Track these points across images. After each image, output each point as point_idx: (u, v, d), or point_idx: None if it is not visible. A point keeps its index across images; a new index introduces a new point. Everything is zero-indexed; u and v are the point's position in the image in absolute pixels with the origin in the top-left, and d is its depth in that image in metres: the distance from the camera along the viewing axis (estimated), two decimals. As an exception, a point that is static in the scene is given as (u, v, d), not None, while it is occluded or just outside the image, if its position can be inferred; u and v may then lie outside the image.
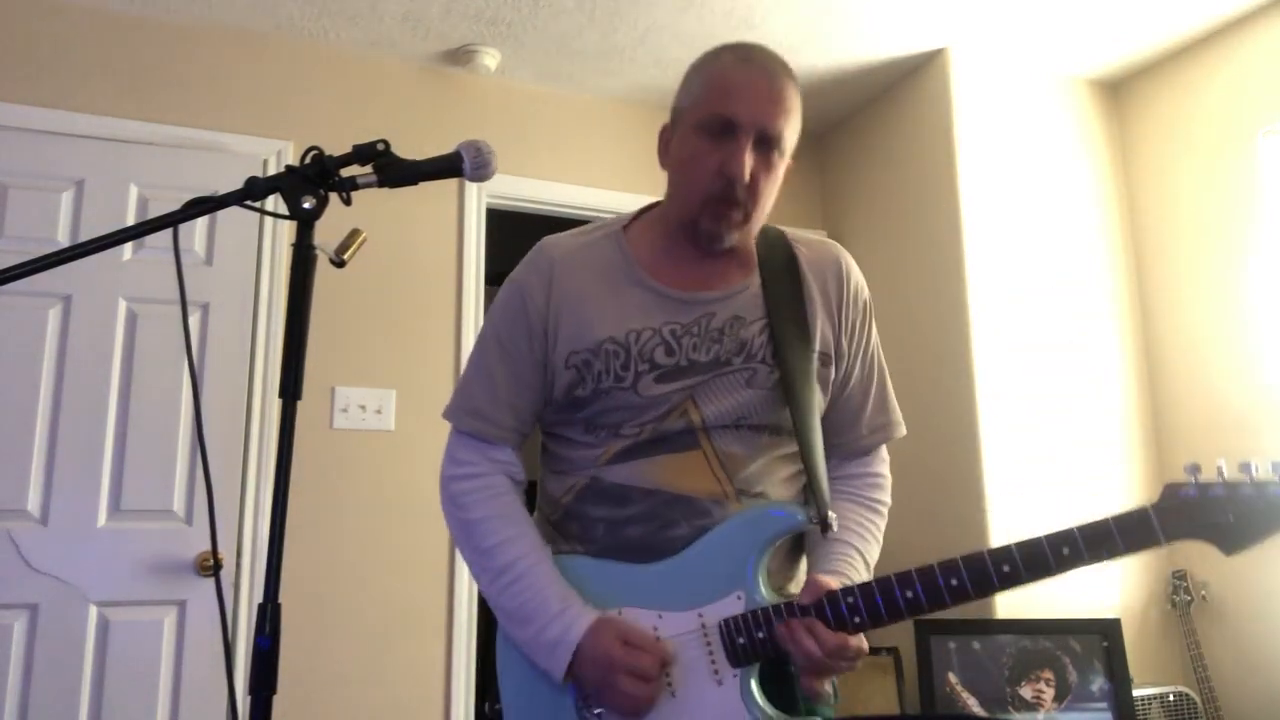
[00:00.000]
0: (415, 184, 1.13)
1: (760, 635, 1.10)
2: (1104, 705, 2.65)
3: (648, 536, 1.17)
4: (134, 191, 2.74)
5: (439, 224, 3.13)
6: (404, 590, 2.83)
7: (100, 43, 2.81)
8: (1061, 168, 3.26)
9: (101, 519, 2.55)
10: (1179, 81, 3.19)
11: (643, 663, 1.09)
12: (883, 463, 1.34)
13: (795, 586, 1.26)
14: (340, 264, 1.12)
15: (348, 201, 1.10)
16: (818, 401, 1.23)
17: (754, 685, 1.11)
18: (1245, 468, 1.02)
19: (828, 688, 1.13)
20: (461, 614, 2.87)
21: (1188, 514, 1.01)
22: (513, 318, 1.25)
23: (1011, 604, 2.80)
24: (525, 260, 1.28)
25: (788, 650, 1.09)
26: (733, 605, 1.12)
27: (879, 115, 3.49)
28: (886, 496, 1.32)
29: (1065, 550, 1.03)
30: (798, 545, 1.27)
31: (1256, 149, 2.91)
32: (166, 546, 2.57)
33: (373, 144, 1.11)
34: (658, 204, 1.30)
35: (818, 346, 1.23)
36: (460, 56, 3.12)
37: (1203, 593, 2.93)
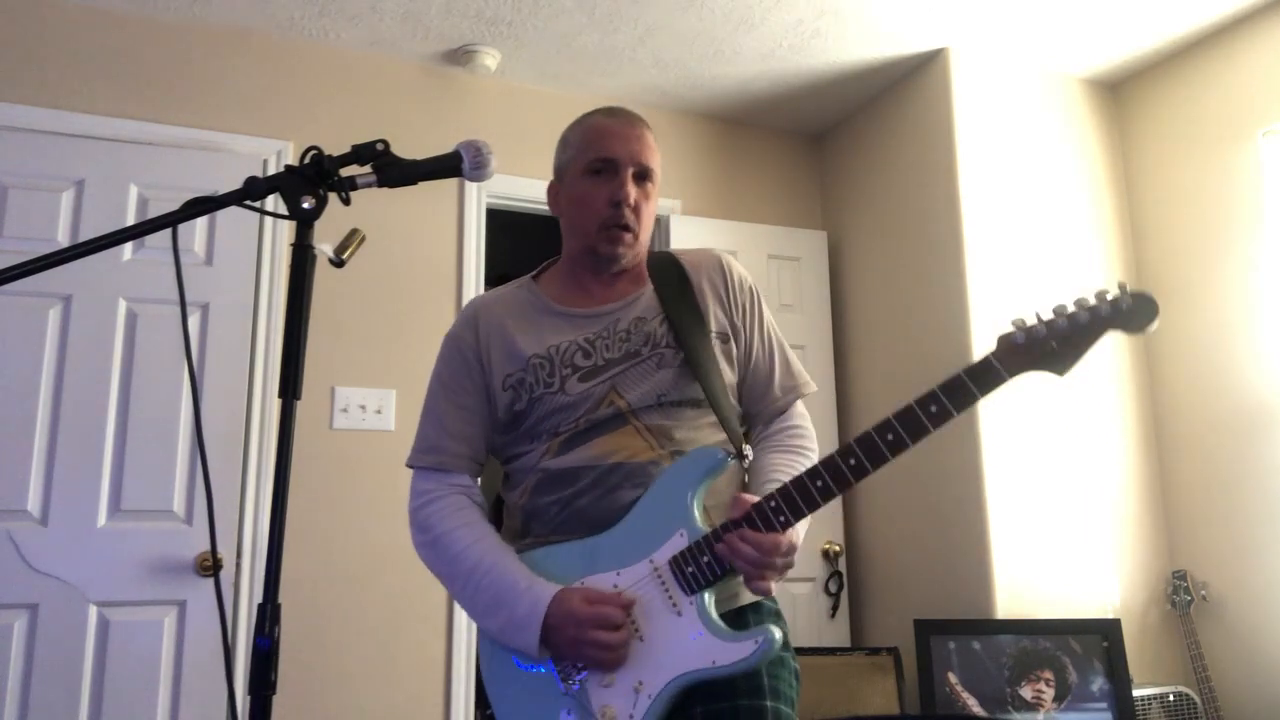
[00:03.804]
0: (414, 184, 1.14)
1: (706, 559, 1.24)
2: (1104, 705, 2.65)
3: (595, 504, 1.31)
4: (134, 191, 2.74)
5: (439, 224, 3.13)
6: (404, 590, 2.83)
7: (100, 43, 2.81)
8: (1061, 168, 3.26)
9: (101, 519, 2.55)
10: (1179, 81, 3.19)
11: (608, 613, 1.22)
12: (800, 416, 1.50)
13: None
14: (340, 264, 1.13)
15: (347, 201, 1.10)
16: (724, 373, 1.42)
17: (710, 606, 1.24)
18: (1058, 309, 1.19)
19: (773, 585, 1.24)
20: (462, 614, 2.87)
21: (1021, 353, 1.19)
22: (452, 363, 1.45)
23: (1012, 604, 2.80)
24: (455, 320, 1.50)
25: (731, 562, 1.22)
26: (678, 542, 1.26)
27: (879, 115, 3.49)
28: (810, 441, 1.47)
29: (933, 408, 1.19)
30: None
31: (1256, 149, 2.91)
32: (166, 547, 2.58)
33: (372, 144, 1.11)
34: (556, 259, 1.54)
35: (714, 328, 1.43)
36: (460, 56, 3.12)
37: (1203, 593, 2.93)
